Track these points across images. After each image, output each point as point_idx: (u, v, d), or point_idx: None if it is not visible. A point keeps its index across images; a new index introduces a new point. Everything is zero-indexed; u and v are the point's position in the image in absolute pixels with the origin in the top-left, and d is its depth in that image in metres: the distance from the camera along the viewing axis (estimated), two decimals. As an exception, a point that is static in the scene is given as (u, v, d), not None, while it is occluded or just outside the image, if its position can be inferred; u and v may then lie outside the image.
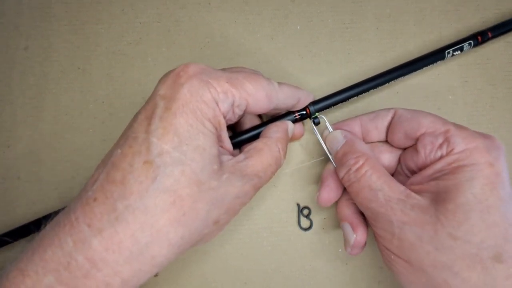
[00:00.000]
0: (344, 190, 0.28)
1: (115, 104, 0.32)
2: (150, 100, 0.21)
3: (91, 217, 0.18)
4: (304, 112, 0.28)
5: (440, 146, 0.23)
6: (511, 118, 0.32)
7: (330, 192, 0.27)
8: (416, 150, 0.24)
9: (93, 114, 0.32)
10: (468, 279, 0.20)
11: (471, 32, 0.32)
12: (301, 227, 0.30)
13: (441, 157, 0.23)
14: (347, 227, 0.26)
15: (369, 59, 0.33)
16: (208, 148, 0.20)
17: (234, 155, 0.24)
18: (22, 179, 0.31)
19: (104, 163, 0.20)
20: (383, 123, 0.27)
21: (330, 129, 0.28)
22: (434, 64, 0.32)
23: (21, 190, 0.31)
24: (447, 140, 0.23)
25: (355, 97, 0.29)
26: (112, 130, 0.32)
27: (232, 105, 0.22)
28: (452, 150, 0.22)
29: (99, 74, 0.33)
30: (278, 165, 0.25)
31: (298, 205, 0.30)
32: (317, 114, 0.28)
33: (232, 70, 0.23)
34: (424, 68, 0.31)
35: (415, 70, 0.31)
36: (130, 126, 0.21)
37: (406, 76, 0.31)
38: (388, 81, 0.30)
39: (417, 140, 0.25)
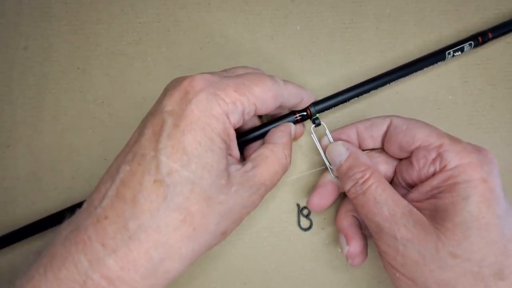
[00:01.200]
0: (343, 201, 0.29)
1: (115, 104, 0.32)
2: (157, 115, 0.21)
3: (103, 236, 0.18)
4: (305, 113, 0.28)
5: (433, 161, 0.23)
6: (511, 118, 0.32)
7: (320, 199, 0.28)
8: (411, 163, 0.25)
9: (92, 114, 0.32)
10: None
11: (471, 32, 0.32)
12: (301, 227, 0.30)
13: (435, 173, 0.23)
14: (342, 239, 0.27)
15: (369, 59, 0.33)
16: (216, 165, 0.20)
17: (240, 161, 0.24)
18: (22, 179, 0.31)
19: (111, 177, 0.20)
20: (379, 132, 0.27)
21: (330, 138, 0.28)
22: (435, 64, 0.32)
23: (21, 190, 0.31)
24: (440, 155, 0.23)
25: (355, 99, 0.29)
26: (112, 130, 0.32)
27: (242, 113, 0.22)
28: (445, 166, 0.23)
29: (99, 74, 0.33)
30: (284, 171, 0.25)
31: (298, 205, 0.30)
32: (317, 115, 0.28)
33: (236, 73, 0.23)
34: (424, 69, 0.31)
35: (416, 71, 0.31)
36: (137, 141, 0.21)
37: (406, 77, 0.31)
38: (388, 82, 0.30)
39: (411, 153, 0.25)
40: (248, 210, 0.23)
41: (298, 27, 0.34)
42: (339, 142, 0.27)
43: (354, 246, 0.26)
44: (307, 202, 0.28)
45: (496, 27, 0.32)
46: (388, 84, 0.30)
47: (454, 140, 0.23)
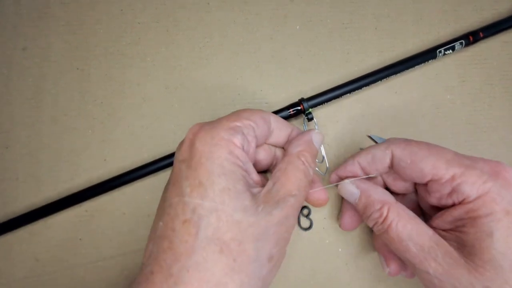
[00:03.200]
0: None
1: (114, 105, 0.32)
2: (173, 169, 0.22)
3: None
4: (299, 108, 0.30)
5: (450, 195, 0.22)
6: (509, 117, 0.32)
7: (352, 217, 0.28)
8: (428, 192, 0.24)
9: (91, 114, 0.32)
10: None
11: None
12: (301, 227, 0.30)
13: (454, 204, 0.22)
14: (382, 259, 0.27)
15: (368, 58, 0.33)
16: (233, 187, 0.20)
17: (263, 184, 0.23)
18: (21, 180, 0.31)
19: (152, 239, 0.21)
20: (383, 165, 0.25)
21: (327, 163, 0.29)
22: (432, 64, 0.32)
23: (20, 191, 0.30)
24: (454, 190, 0.22)
25: (354, 98, 0.30)
26: (111, 130, 0.32)
27: (243, 134, 0.22)
28: (464, 199, 0.22)
29: (97, 75, 0.32)
30: (308, 177, 0.24)
31: None
32: (310, 109, 0.29)
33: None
34: (422, 68, 0.31)
35: (407, 68, 0.31)
36: (163, 199, 0.22)
37: (404, 76, 0.31)
38: (379, 78, 0.31)
39: (426, 184, 0.24)
40: (287, 226, 0.22)
41: (298, 27, 0.34)
42: (347, 181, 0.26)
43: (394, 267, 0.26)
44: (340, 224, 0.28)
45: (487, 27, 0.33)
46: (386, 83, 0.30)
47: (466, 166, 0.22)
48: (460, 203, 0.22)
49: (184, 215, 0.20)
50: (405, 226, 0.22)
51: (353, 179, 0.26)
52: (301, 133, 0.26)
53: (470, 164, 0.22)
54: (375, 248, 0.28)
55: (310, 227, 0.30)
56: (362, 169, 0.26)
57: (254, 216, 0.20)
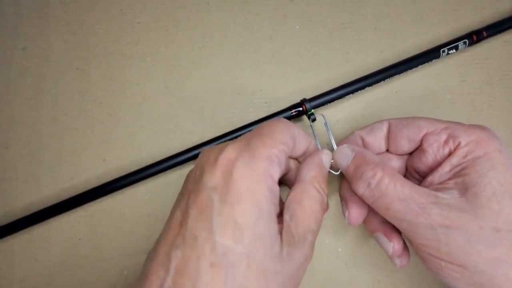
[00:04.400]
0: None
1: (114, 105, 0.32)
2: (200, 193, 0.20)
3: None
4: (301, 109, 0.29)
5: (446, 142, 0.24)
6: (509, 117, 0.32)
7: (360, 208, 0.26)
8: (423, 151, 0.25)
9: (91, 114, 0.32)
10: None
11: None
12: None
13: (450, 152, 0.24)
14: (382, 237, 0.25)
15: (368, 58, 0.33)
16: (268, 233, 0.19)
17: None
18: (21, 180, 0.31)
19: (163, 266, 0.19)
20: (381, 134, 0.27)
21: (334, 145, 0.27)
22: (432, 63, 0.32)
23: (20, 191, 0.30)
24: (450, 136, 0.24)
25: (354, 98, 0.30)
26: (111, 130, 0.32)
27: (279, 164, 0.21)
28: (459, 143, 0.23)
29: (97, 74, 0.32)
30: (323, 207, 0.23)
31: None
32: (313, 110, 0.29)
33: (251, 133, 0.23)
34: (422, 68, 0.31)
35: (411, 68, 0.31)
36: (183, 223, 0.20)
37: (404, 76, 0.31)
38: (383, 79, 0.30)
39: (420, 142, 0.25)
40: (304, 267, 0.21)
41: (297, 27, 0.34)
42: (344, 145, 0.26)
43: (398, 241, 0.25)
44: (347, 219, 0.26)
45: (491, 26, 0.33)
46: (386, 83, 0.30)
47: (456, 122, 0.24)
48: (455, 149, 0.23)
49: (212, 257, 0.18)
50: (404, 185, 0.22)
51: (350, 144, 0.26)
52: (311, 155, 0.25)
53: (460, 122, 0.25)
54: (370, 229, 0.26)
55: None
56: (362, 139, 0.27)
57: (280, 263, 0.19)
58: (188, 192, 0.21)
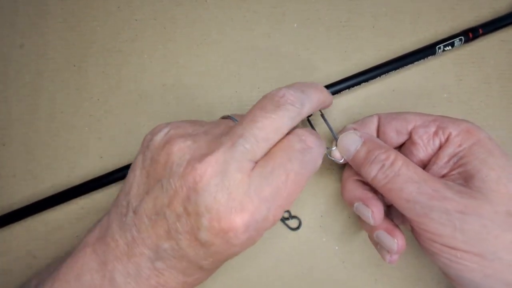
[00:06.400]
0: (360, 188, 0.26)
1: (111, 102, 0.32)
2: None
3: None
4: None
5: (436, 133, 0.24)
6: (505, 116, 0.33)
7: (380, 204, 0.24)
8: (414, 144, 0.25)
9: (88, 111, 0.32)
10: None
11: (466, 31, 0.32)
12: (290, 228, 0.30)
13: (441, 144, 0.24)
14: (385, 235, 0.24)
15: (366, 57, 0.33)
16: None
17: None
18: (18, 177, 0.31)
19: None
20: (372, 126, 0.27)
21: (335, 136, 0.27)
22: (429, 62, 0.32)
23: (17, 188, 0.30)
24: (439, 127, 0.24)
25: (351, 95, 0.30)
26: (108, 127, 0.32)
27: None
28: (450, 134, 0.23)
29: (94, 72, 0.32)
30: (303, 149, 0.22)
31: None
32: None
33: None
34: (419, 66, 0.31)
35: (407, 64, 0.31)
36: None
37: (402, 74, 0.31)
38: (379, 75, 0.31)
39: (409, 134, 0.25)
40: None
41: (295, 25, 0.34)
42: (351, 131, 0.26)
43: (401, 237, 0.24)
44: (371, 219, 0.24)
45: (487, 23, 0.33)
46: (383, 81, 0.30)
47: (443, 115, 0.25)
48: (446, 139, 0.24)
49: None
50: (417, 168, 0.22)
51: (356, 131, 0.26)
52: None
53: (445, 115, 0.25)
54: (371, 227, 0.25)
55: (299, 227, 0.30)
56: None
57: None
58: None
